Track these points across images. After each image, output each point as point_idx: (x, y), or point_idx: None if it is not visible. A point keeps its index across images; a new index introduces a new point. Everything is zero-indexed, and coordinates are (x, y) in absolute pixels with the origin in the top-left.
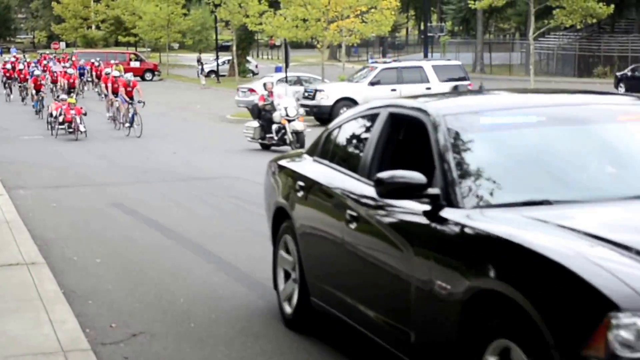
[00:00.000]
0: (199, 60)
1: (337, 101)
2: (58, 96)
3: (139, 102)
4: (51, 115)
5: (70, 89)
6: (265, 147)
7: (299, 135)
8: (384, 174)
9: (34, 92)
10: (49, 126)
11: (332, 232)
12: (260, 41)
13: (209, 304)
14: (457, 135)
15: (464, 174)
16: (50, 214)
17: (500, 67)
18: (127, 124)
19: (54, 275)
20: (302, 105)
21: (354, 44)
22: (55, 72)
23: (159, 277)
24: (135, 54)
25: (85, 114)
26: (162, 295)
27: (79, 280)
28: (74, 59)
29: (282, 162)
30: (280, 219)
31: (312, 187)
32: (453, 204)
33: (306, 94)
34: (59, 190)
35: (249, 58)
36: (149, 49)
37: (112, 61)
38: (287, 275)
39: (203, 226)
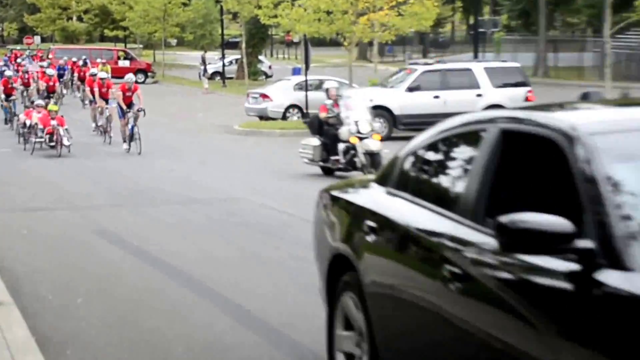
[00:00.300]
0: (203, 60)
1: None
2: (32, 102)
3: (139, 110)
4: (24, 125)
5: (49, 94)
6: (328, 172)
7: (373, 158)
8: (508, 219)
9: (3, 96)
10: (21, 138)
11: (422, 294)
12: (275, 37)
13: (213, 355)
14: (615, 164)
15: (633, 219)
16: (20, 243)
17: (568, 70)
18: (126, 140)
19: (24, 317)
20: None
21: (388, 41)
22: (30, 72)
23: (152, 321)
24: (124, 51)
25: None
26: (155, 343)
27: (56, 324)
28: (51, 56)
29: (339, 193)
30: (337, 270)
31: (389, 229)
32: (617, 263)
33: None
34: (31, 215)
35: (261, 57)
36: (140, 46)
37: (99, 60)
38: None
39: (205, 259)
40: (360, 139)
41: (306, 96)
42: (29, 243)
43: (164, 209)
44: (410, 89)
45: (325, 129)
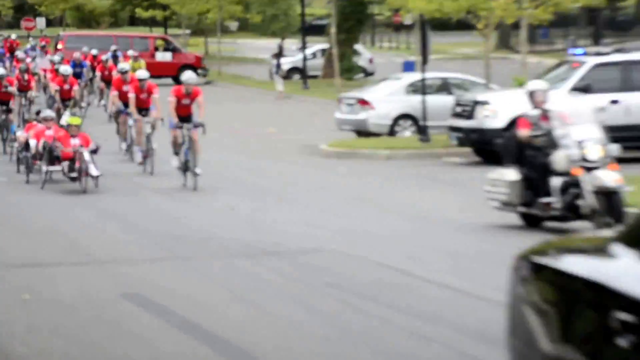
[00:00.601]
0: (279, 52)
1: (514, 121)
2: (37, 112)
3: (196, 125)
4: (26, 147)
5: (64, 101)
6: (533, 222)
7: (610, 199)
8: None
9: None
10: (20, 165)
11: None
12: (378, 18)
13: None
14: None
15: None
16: (21, 313)
17: None
18: (139, 156)
19: None
20: (452, 128)
21: (543, 21)
22: (29, 71)
23: None
24: (164, 39)
25: (95, 151)
26: None
27: None
28: (60, 46)
29: (552, 260)
30: None
31: None
32: None
33: (458, 109)
34: (36, 272)
35: (357, 47)
36: (187, 32)
37: (130, 52)
38: None
39: (279, 335)
40: (588, 169)
41: (423, 103)
42: (33, 312)
43: (223, 264)
44: (577, 90)
45: (529, 156)
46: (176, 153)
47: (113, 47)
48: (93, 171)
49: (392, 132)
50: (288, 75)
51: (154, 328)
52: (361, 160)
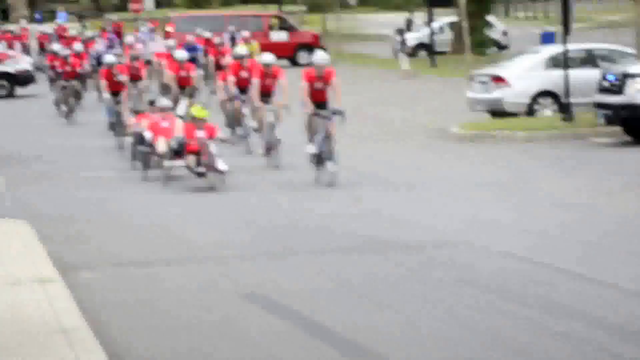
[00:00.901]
0: (408, 27)
1: None
2: (151, 102)
3: (334, 112)
4: (140, 140)
5: (181, 89)
6: None
7: None
8: None
9: (107, 94)
10: (136, 158)
11: None
12: None
13: None
14: None
15: None
16: (138, 315)
17: None
18: (260, 146)
19: None
20: (599, 105)
21: None
22: (140, 58)
23: None
24: (278, 17)
25: (224, 140)
26: None
27: None
28: (169, 29)
29: None
30: None
31: None
32: None
33: (606, 84)
34: (152, 270)
35: (490, 19)
36: (303, 8)
37: (243, 33)
38: None
39: (409, 337)
40: None
41: (566, 78)
42: (150, 315)
43: (348, 260)
44: None
45: None
46: (311, 140)
47: (231, 29)
48: (221, 166)
49: (530, 112)
50: (413, 52)
51: (281, 331)
52: (497, 144)
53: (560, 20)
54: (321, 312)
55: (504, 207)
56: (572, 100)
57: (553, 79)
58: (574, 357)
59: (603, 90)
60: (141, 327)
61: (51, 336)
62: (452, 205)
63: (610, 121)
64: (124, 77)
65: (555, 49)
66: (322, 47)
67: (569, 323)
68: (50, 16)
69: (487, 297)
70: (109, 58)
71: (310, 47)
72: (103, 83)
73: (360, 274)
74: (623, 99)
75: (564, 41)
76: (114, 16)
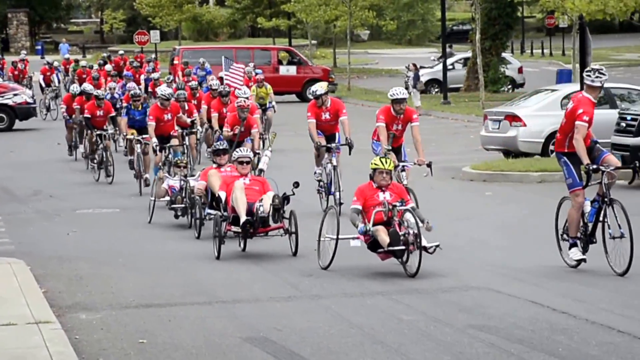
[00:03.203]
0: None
1: None
2: (216, 150)
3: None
4: (214, 203)
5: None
6: None
7: None
8: None
9: (155, 141)
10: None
11: None
12: (528, 22)
13: None
14: None
15: None
16: (138, 359)
17: None
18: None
19: None
20: (616, 146)
21: None
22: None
23: None
24: (288, 51)
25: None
26: None
27: None
28: (176, 62)
29: None
30: None
31: None
32: None
33: (623, 124)
34: (152, 313)
35: (505, 55)
36: (314, 42)
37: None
38: None
39: None
40: None
41: None
42: (150, 359)
43: (357, 302)
44: None
45: None
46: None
47: (251, 63)
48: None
49: (545, 152)
50: (426, 88)
51: None
52: (510, 184)
53: (577, 58)
54: (330, 358)
55: (518, 249)
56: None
57: None
58: None
59: (620, 131)
60: None
61: None
62: (464, 247)
63: (627, 163)
64: (186, 118)
65: (571, 87)
66: (332, 82)
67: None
68: (52, 47)
69: (506, 344)
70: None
71: (320, 82)
72: (130, 133)
73: (371, 317)
74: None
75: (581, 80)
76: (120, 48)
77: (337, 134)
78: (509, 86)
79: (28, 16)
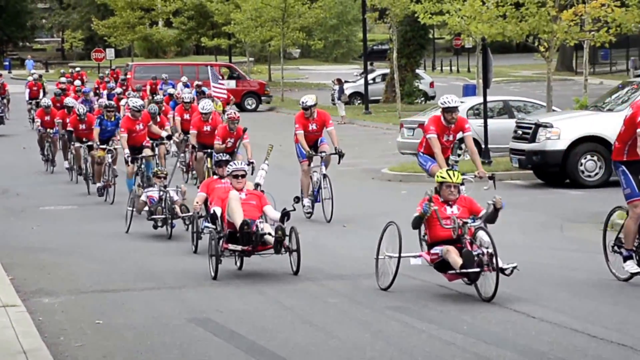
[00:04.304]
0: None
1: (575, 143)
2: (218, 162)
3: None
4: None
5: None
6: None
7: None
8: None
9: (126, 152)
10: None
11: None
12: (439, 42)
13: None
14: None
15: None
16: (94, 338)
17: None
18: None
19: None
20: (513, 151)
21: (604, 43)
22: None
23: None
24: (229, 67)
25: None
26: None
27: None
28: (129, 76)
29: None
30: None
31: None
32: None
33: (520, 132)
34: (107, 297)
35: (419, 71)
36: (251, 59)
37: (183, 80)
38: None
39: (344, 359)
40: None
41: (485, 126)
42: (105, 338)
43: (288, 287)
44: None
45: None
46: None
47: (197, 83)
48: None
49: None
50: (350, 100)
51: (224, 352)
52: (422, 183)
53: (480, 74)
54: (263, 336)
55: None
56: (491, 146)
57: (473, 127)
58: None
59: (517, 138)
60: (96, 348)
61: (14, 357)
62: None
63: (523, 165)
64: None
65: (475, 100)
66: (267, 95)
67: (499, 350)
68: (18, 63)
69: (419, 324)
70: (151, 107)
71: (256, 95)
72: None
73: (300, 300)
74: (534, 146)
75: (484, 93)
76: (76, 65)
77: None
78: (422, 98)
79: None
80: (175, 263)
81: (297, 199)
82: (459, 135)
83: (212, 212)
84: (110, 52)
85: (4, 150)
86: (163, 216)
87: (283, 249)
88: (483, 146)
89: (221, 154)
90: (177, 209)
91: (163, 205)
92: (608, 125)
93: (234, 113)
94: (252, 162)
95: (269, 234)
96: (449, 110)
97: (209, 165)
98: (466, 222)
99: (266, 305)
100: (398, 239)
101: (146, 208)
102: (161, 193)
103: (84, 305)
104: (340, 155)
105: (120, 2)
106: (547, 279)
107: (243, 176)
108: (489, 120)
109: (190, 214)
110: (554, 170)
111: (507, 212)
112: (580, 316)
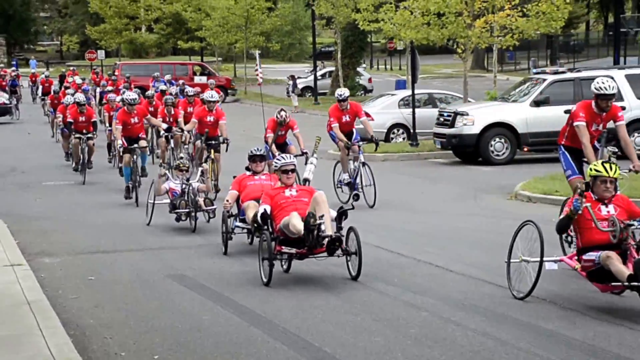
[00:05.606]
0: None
1: (486, 128)
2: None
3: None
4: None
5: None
6: None
7: None
8: None
9: (119, 143)
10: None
11: None
12: (375, 45)
13: None
14: None
15: None
16: (87, 291)
17: None
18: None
19: None
20: (436, 135)
21: (509, 46)
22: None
23: None
24: (201, 65)
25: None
26: None
27: None
28: (117, 73)
29: None
30: None
31: None
32: None
33: (441, 119)
34: (98, 257)
35: (359, 69)
36: (219, 59)
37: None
38: None
39: (302, 310)
40: None
41: (413, 114)
42: (97, 291)
43: (248, 249)
44: (537, 103)
45: None
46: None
47: (181, 81)
48: None
49: (387, 139)
50: (302, 93)
51: (194, 301)
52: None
53: (410, 71)
54: (229, 289)
55: (367, 210)
56: (418, 130)
57: (404, 115)
58: (425, 324)
59: (440, 124)
60: (88, 300)
61: (19, 307)
62: None
63: (444, 147)
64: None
65: (405, 92)
66: (233, 88)
67: (423, 298)
68: (24, 63)
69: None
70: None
71: (224, 88)
72: (117, 134)
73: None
74: (453, 131)
75: (412, 87)
76: (70, 64)
77: (354, 131)
78: (362, 92)
79: (6, 40)
80: (154, 228)
81: (357, 197)
82: (609, 124)
83: (262, 210)
84: (101, 53)
85: (12, 135)
86: (187, 210)
87: (340, 251)
88: (412, 131)
89: (256, 148)
90: (201, 202)
91: (186, 198)
92: (513, 113)
93: (287, 116)
94: (306, 152)
95: (330, 236)
96: (604, 98)
97: (212, 156)
98: (631, 224)
99: (231, 263)
100: (539, 240)
101: (167, 200)
102: (184, 186)
103: (79, 264)
104: (377, 143)
105: (109, 11)
106: (463, 239)
107: (293, 171)
108: (417, 110)
109: (214, 207)
110: (470, 151)
111: (431, 185)
112: (490, 270)
